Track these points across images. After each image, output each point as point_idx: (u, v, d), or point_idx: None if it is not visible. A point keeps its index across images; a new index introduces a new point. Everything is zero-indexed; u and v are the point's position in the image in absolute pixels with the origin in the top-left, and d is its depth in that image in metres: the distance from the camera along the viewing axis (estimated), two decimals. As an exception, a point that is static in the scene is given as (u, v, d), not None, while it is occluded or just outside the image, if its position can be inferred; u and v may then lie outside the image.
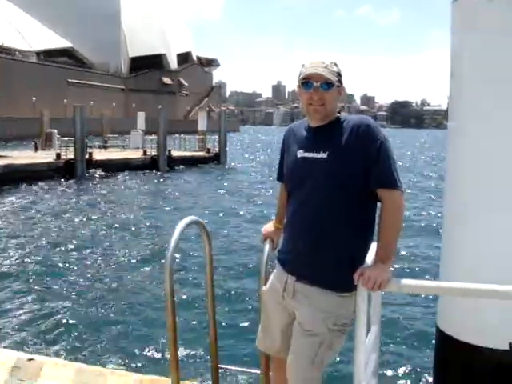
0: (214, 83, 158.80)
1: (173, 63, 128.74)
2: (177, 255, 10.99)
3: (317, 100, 2.66)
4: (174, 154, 38.54)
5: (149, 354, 7.65)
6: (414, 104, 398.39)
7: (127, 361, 7.40)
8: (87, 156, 31.07)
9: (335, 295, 2.66)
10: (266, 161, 47.42)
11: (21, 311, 9.25)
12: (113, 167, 32.41)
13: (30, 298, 9.96)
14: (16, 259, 12.78)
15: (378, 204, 2.69)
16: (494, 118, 2.42)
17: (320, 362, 2.70)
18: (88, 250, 13.94)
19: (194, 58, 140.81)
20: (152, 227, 17.41)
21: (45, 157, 31.14)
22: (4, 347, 6.72)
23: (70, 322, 8.80)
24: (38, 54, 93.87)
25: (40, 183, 26.40)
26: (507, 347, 2.39)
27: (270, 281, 2.99)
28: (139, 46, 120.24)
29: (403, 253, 13.44)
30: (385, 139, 2.60)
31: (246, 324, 8.69)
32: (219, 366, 3.96)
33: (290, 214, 2.83)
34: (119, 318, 9.11)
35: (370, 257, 2.61)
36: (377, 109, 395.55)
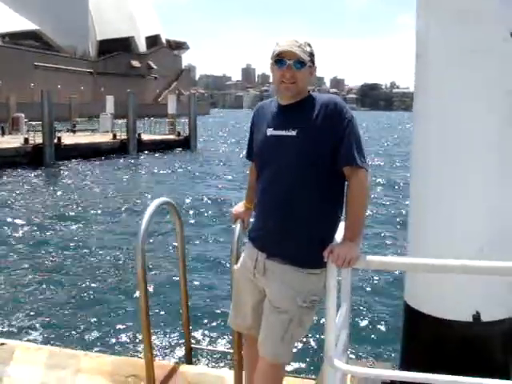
0: (183, 66, 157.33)
1: (141, 46, 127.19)
2: (149, 238, 11.00)
3: (289, 78, 2.68)
4: (144, 137, 38.29)
5: (122, 335, 7.67)
6: (383, 86, 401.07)
7: (100, 343, 7.41)
8: (56, 140, 30.60)
9: (305, 272, 2.70)
10: (235, 143, 47.41)
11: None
12: (82, 151, 32.05)
13: (0, 284, 9.88)
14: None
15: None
16: (458, 100, 2.48)
17: (290, 339, 2.74)
18: (58, 236, 13.85)
19: (163, 40, 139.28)
20: (123, 211, 17.32)
21: (12, 141, 30.56)
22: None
23: (42, 306, 8.76)
24: (3, 36, 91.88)
25: (8, 170, 26.00)
26: (471, 319, 2.48)
27: (241, 258, 3.02)
28: (107, 29, 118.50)
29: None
30: (352, 118, 2.64)
31: (218, 304, 8.75)
32: (192, 346, 4.01)
33: (259, 192, 2.85)
34: (91, 301, 9.08)
35: (339, 235, 2.67)
36: (346, 91, 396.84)
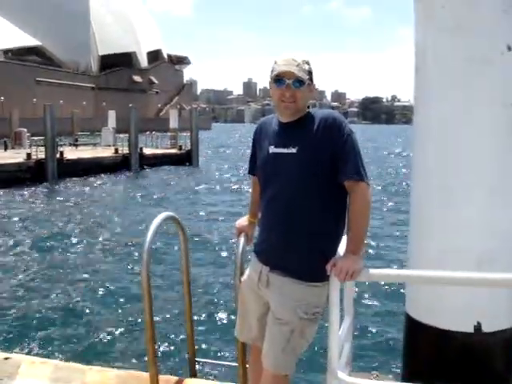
0: (184, 81, 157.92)
1: (143, 61, 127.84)
2: (153, 251, 11.01)
3: (288, 97, 2.72)
4: (146, 151, 38.36)
5: (126, 349, 7.68)
6: (384, 100, 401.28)
7: (105, 357, 7.42)
8: (58, 155, 30.66)
9: (307, 285, 2.73)
10: (237, 157, 47.45)
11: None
12: (84, 166, 32.11)
13: (4, 298, 9.89)
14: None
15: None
16: (457, 112, 2.52)
17: (292, 350, 2.76)
18: (64, 250, 13.86)
19: (165, 55, 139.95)
20: (126, 226, 17.34)
21: (15, 156, 30.61)
22: (-21, 348, 6.68)
23: (46, 320, 8.78)
24: (6, 52, 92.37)
25: (11, 185, 26.03)
26: (472, 330, 2.50)
27: (247, 271, 3.06)
28: (109, 44, 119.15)
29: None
30: (351, 132, 2.68)
31: (222, 318, 8.76)
32: (196, 359, 4.03)
33: (263, 208, 2.91)
34: (96, 315, 9.10)
35: (341, 248, 2.71)
36: (348, 105, 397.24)
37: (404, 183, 28.59)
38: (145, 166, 36.19)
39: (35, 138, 33.18)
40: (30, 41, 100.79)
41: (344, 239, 2.75)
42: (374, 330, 8.45)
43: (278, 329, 2.76)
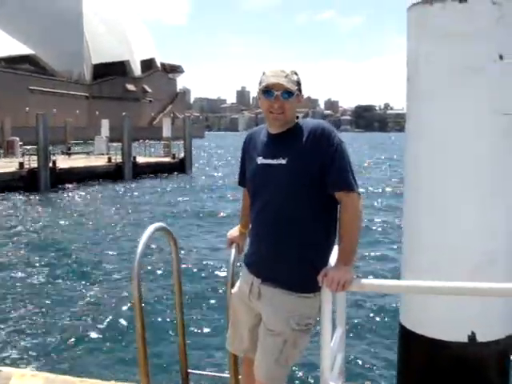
0: (178, 90, 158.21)
1: (136, 70, 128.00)
2: (145, 264, 10.98)
3: (277, 108, 2.71)
4: (139, 160, 38.31)
5: (118, 361, 7.62)
6: (377, 108, 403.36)
7: (96, 369, 7.36)
8: (51, 164, 30.58)
9: (299, 296, 2.71)
10: (230, 166, 47.48)
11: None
12: (78, 175, 32.03)
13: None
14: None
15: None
16: (449, 120, 2.51)
17: (284, 361, 2.74)
18: (52, 261, 13.79)
19: (158, 64, 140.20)
20: (118, 237, 17.27)
21: (7, 166, 30.55)
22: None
23: (36, 332, 8.71)
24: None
25: (3, 195, 25.94)
26: (466, 340, 2.48)
27: (238, 282, 3.04)
28: (102, 53, 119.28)
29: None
30: (340, 142, 2.67)
31: (214, 329, 8.71)
32: (189, 371, 3.98)
33: (253, 220, 2.89)
34: (87, 327, 9.03)
35: (332, 258, 2.68)
36: (341, 113, 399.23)
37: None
38: (138, 175, 36.13)
39: (28, 147, 33.11)
40: (22, 49, 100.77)
41: (335, 249, 2.73)
42: (368, 340, 8.42)
43: (270, 340, 2.74)
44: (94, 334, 8.69)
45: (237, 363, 3.34)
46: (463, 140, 2.49)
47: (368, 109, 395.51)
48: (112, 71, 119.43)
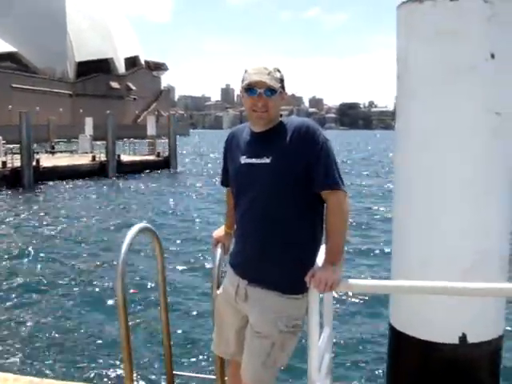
0: (162, 87, 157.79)
1: (120, 67, 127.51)
2: (129, 264, 10.89)
3: (260, 107, 2.65)
4: (124, 158, 38.16)
5: (102, 364, 7.53)
6: (361, 106, 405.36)
7: (81, 372, 7.26)
8: (34, 163, 30.35)
9: (286, 297, 2.67)
10: (215, 164, 47.44)
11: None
12: (61, 174, 31.82)
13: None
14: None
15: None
16: (439, 119, 2.48)
17: (272, 364, 2.70)
18: (38, 262, 13.63)
19: (142, 62, 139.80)
20: (102, 236, 17.12)
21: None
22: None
23: (20, 335, 8.59)
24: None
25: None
26: (457, 341, 2.45)
27: (223, 284, 2.99)
28: (86, 51, 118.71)
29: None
30: (325, 140, 2.62)
31: (200, 330, 8.65)
32: (174, 372, 3.93)
33: (238, 220, 2.84)
34: (71, 330, 8.92)
35: (319, 258, 2.64)
36: (325, 111, 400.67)
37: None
38: (122, 174, 35.97)
39: (11, 146, 32.80)
40: (4, 47, 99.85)
41: (322, 249, 2.68)
42: (357, 341, 8.38)
43: (257, 342, 2.69)
44: (76, 336, 8.58)
45: (223, 365, 3.29)
46: (454, 139, 2.46)
47: (353, 106, 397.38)
48: (96, 69, 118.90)
